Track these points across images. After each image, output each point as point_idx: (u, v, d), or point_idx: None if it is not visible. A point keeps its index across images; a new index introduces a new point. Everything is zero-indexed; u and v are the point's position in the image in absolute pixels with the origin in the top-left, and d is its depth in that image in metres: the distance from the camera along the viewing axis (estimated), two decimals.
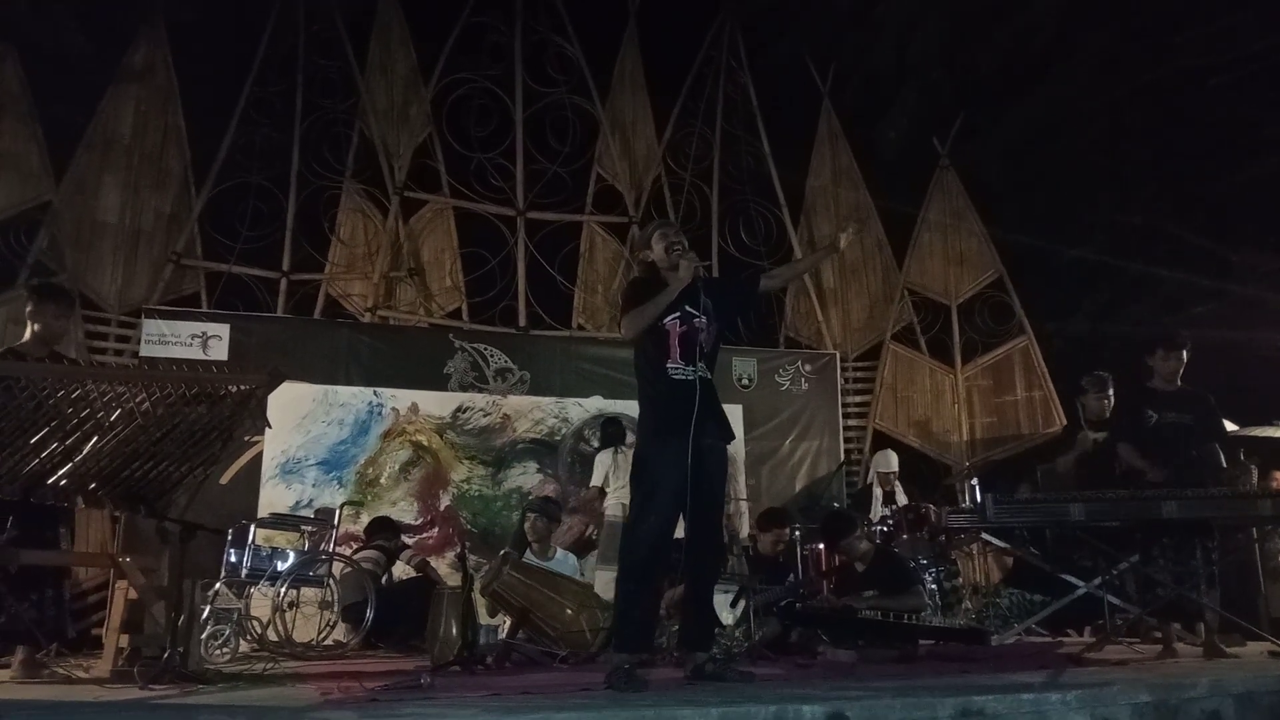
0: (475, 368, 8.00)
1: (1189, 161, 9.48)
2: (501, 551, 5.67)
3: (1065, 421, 8.41)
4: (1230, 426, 6.31)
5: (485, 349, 8.09)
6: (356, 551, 6.57)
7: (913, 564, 6.17)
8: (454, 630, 4.61)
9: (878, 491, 7.67)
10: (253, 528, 5.94)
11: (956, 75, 10.02)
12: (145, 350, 7.25)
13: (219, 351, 7.34)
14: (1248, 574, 5.69)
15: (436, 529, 7.56)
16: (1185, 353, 5.13)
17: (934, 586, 6.49)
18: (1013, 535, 5.53)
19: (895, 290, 9.42)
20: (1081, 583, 5.11)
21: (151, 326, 7.33)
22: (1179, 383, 5.17)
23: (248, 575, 5.71)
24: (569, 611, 4.94)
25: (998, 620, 6.50)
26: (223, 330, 7.45)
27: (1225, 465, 5.17)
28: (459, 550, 5.95)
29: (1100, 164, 10.19)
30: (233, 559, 5.76)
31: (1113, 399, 6.04)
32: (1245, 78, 8.83)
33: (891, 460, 7.80)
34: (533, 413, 8.07)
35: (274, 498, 7.17)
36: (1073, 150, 10.27)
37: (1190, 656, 4.64)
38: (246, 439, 6.92)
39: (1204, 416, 5.12)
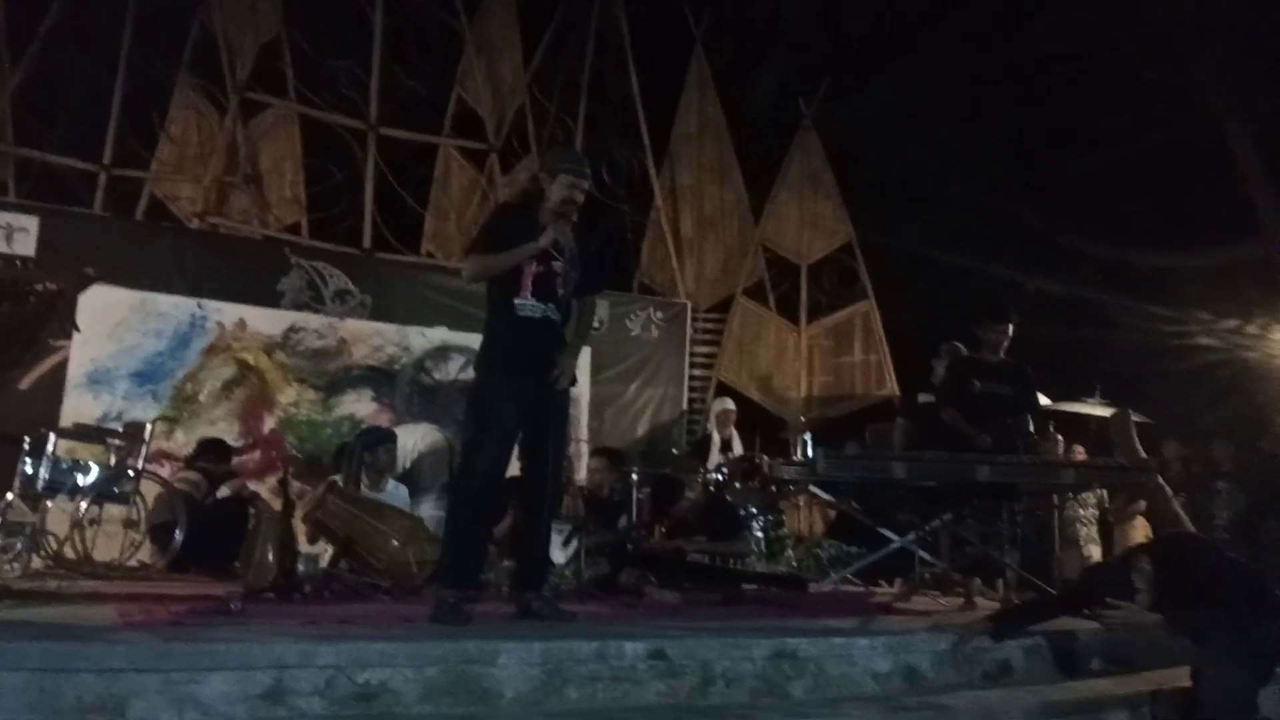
0: (312, 287, 7.62)
1: (1036, 145, 9.98)
2: (328, 479, 5.46)
3: (897, 385, 8.79)
4: (1043, 400, 6.72)
5: (324, 268, 7.71)
6: (178, 472, 6.24)
7: (742, 512, 6.34)
8: (270, 556, 4.39)
9: (716, 438, 7.83)
10: (53, 437, 5.51)
11: (827, 38, 10.16)
12: None
13: (25, 246, 6.77)
14: (1045, 537, 6.12)
15: (259, 452, 7.23)
16: (1010, 327, 5.36)
17: (760, 534, 6.71)
18: (838, 489, 5.76)
19: (750, 245, 9.53)
20: (896, 537, 5.37)
21: None
22: (1003, 355, 5.42)
23: (45, 488, 5.30)
24: (395, 543, 4.79)
25: (817, 569, 6.79)
26: (31, 223, 6.85)
27: (1032, 434, 5.49)
28: (281, 475, 5.69)
29: (955, 141, 10.58)
30: (28, 470, 5.35)
31: None
32: (1089, 69, 9.30)
33: (728, 402, 7.99)
34: (372, 339, 7.76)
35: (79, 408, 6.69)
36: (930, 125, 10.63)
37: (989, 610, 4.96)
38: (51, 343, 6.47)
39: (1021, 389, 5.40)
